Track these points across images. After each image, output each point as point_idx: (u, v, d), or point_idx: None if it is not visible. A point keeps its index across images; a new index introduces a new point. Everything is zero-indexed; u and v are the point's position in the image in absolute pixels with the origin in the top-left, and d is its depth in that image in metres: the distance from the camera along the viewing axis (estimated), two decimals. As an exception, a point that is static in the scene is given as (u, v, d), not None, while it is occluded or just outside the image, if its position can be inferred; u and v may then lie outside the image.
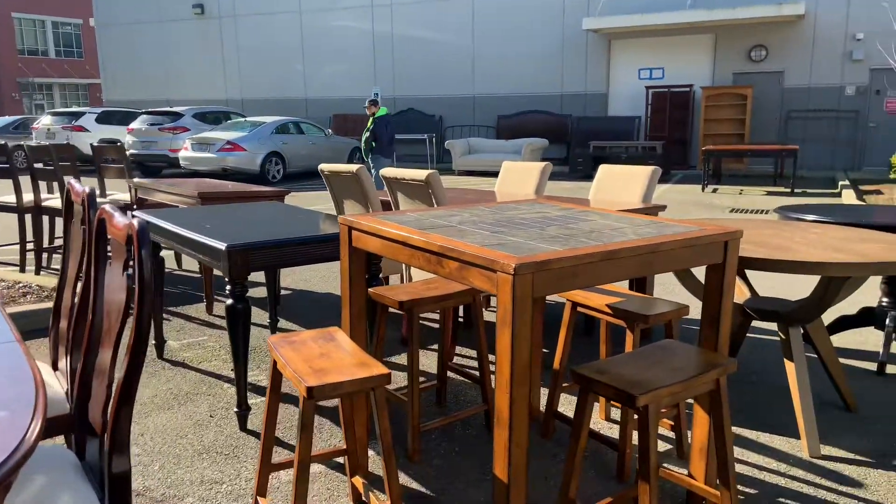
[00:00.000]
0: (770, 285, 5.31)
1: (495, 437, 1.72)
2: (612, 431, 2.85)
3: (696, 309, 4.60)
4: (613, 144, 14.02)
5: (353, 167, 3.83)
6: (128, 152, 15.82)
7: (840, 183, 12.03)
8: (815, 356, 3.69)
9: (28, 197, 5.57)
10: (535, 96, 17.70)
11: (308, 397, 1.76)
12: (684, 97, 15.71)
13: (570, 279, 1.73)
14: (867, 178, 13.35)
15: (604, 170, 4.47)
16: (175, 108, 15.93)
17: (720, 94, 15.37)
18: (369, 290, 2.64)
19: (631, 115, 16.59)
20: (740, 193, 11.61)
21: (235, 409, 2.86)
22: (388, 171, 3.51)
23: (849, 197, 10.18)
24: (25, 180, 10.84)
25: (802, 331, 2.94)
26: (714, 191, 11.99)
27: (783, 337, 2.82)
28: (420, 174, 3.30)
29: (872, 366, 3.61)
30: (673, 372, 1.89)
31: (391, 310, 4.45)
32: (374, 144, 10.18)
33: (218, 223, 3.10)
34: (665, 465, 2.60)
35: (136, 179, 5.24)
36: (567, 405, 3.01)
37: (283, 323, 4.38)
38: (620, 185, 4.29)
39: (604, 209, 2.54)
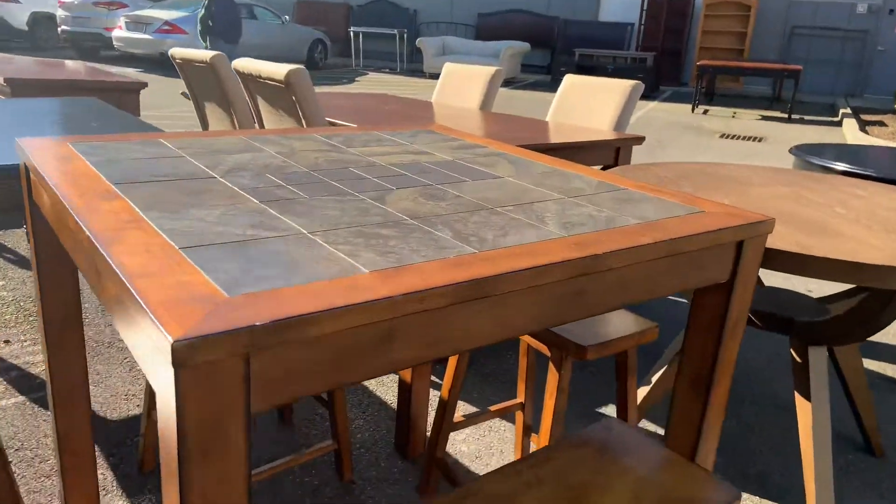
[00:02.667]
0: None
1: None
2: None
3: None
4: (601, 53, 12.63)
5: (208, 54, 2.68)
6: (59, 29, 14.12)
7: (841, 111, 10.92)
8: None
9: None
10: (521, -7, 15.97)
11: None
12: (683, 4, 14.18)
13: (372, 355, 0.72)
14: (870, 106, 12.23)
15: (569, 82, 3.35)
16: (112, -20, 14.05)
17: (722, 3, 13.88)
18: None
19: (623, 22, 15.04)
20: (733, 116, 10.48)
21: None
22: (242, 64, 2.39)
23: (850, 127, 9.12)
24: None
25: (828, 353, 1.99)
26: (705, 112, 10.83)
27: (797, 360, 1.86)
28: (279, 71, 2.19)
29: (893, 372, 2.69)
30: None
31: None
32: (210, 24, 7.85)
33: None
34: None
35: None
36: (459, 445, 2.06)
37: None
38: (591, 102, 3.19)
39: (530, 154, 1.48)
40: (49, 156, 1.13)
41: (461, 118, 3.11)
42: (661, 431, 2.20)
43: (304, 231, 0.88)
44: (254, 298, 0.67)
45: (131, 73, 11.28)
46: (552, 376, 1.44)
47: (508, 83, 13.67)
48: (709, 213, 1.08)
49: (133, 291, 0.66)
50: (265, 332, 0.62)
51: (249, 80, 2.42)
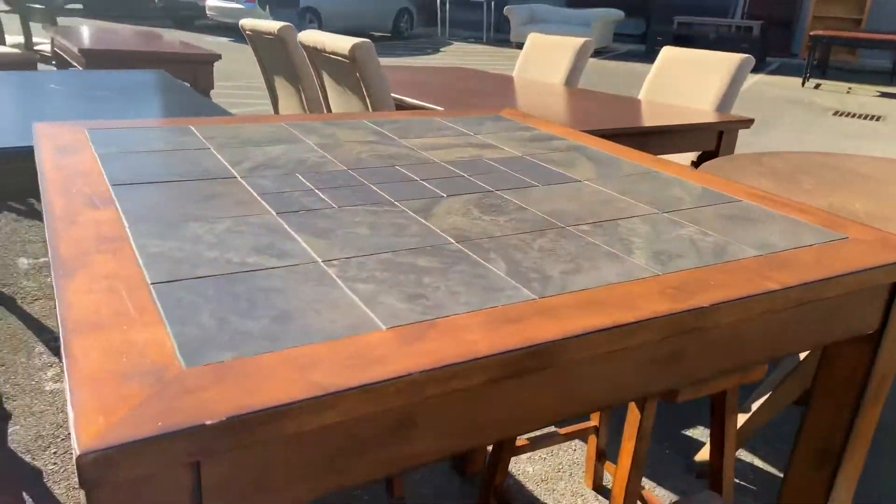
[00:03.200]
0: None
1: None
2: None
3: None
4: (702, 21, 11.82)
5: (276, 25, 2.53)
6: (158, -2, 14.53)
7: (976, 88, 9.76)
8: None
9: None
10: (617, -42, 15.15)
11: None
12: (797, -32, 13.02)
13: (380, 449, 0.53)
14: None
15: (668, 55, 3.01)
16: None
17: (842, -33, 12.66)
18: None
19: (728, -12, 14.00)
20: (847, 92, 9.57)
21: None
22: (307, 37, 2.22)
23: None
24: None
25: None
26: (816, 86, 9.95)
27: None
28: (343, 45, 2.01)
29: None
30: None
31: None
32: None
33: None
34: None
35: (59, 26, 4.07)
36: (524, 465, 1.85)
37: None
38: (692, 78, 2.86)
39: (615, 148, 1.24)
40: (55, 145, 0.99)
41: (542, 95, 2.86)
42: (757, 462, 1.92)
43: (319, 259, 0.69)
44: (218, 374, 0.49)
45: (223, 43, 11.48)
46: (633, 416, 1.21)
47: (599, 53, 13.07)
48: (854, 241, 0.82)
49: (63, 355, 0.49)
50: (220, 433, 0.44)
51: (314, 53, 2.26)
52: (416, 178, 0.99)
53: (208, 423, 0.43)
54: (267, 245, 0.72)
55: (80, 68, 3.22)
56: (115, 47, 3.14)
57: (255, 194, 0.87)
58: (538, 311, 0.62)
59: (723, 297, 0.66)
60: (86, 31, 3.86)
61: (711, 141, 2.44)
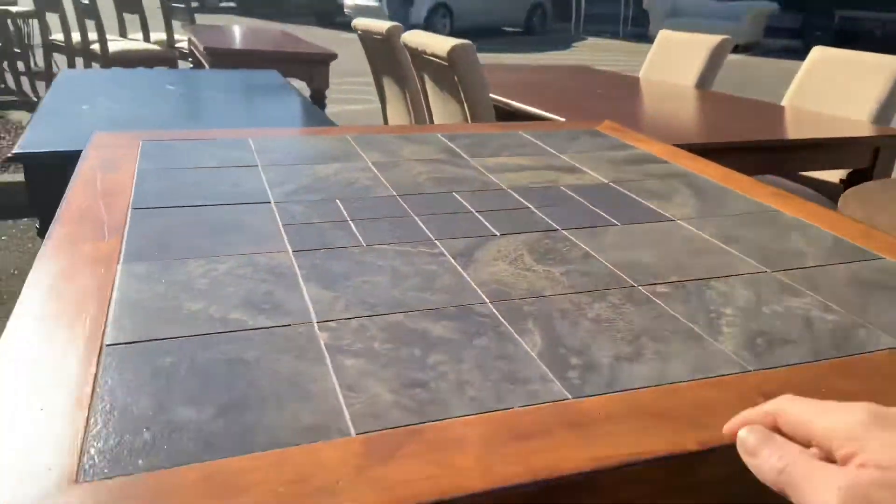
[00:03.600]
0: None
1: None
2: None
3: None
4: (868, 16, 10.64)
5: (385, 25, 2.47)
6: (299, -5, 15.19)
7: None
8: None
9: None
10: (773, -55, 13.99)
11: None
12: None
13: None
14: None
15: (818, 56, 2.64)
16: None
17: None
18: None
19: (903, -24, 12.52)
20: None
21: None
22: (409, 38, 2.13)
23: None
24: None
25: None
26: None
27: None
28: (442, 46, 1.89)
29: None
30: None
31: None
32: None
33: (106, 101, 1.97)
34: None
35: (196, 24, 4.29)
36: None
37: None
38: (846, 82, 2.48)
39: (729, 176, 1.03)
40: (102, 158, 0.95)
41: (665, 100, 2.60)
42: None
43: (315, 318, 0.58)
44: (113, 494, 0.38)
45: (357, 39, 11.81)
46: None
47: (748, 49, 12.13)
48: None
49: (-47, 446, 0.41)
50: (81, 591, 0.33)
51: (416, 55, 2.16)
52: (471, 209, 0.85)
53: (62, 578, 0.33)
54: (262, 295, 0.61)
55: (207, 66, 3.35)
56: (236, 47, 3.24)
57: (279, 224, 0.77)
58: (568, 421, 0.46)
59: (836, 420, 0.47)
60: (215, 31, 4.03)
61: (864, 157, 2.09)
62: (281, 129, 1.16)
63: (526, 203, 0.88)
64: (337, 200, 0.85)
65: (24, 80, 5.42)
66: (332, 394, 0.48)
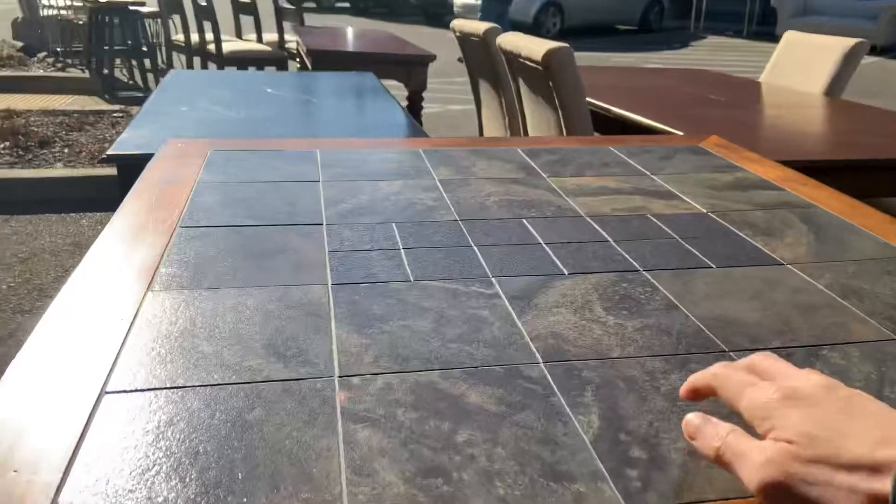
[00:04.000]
0: None
1: None
2: None
3: None
4: None
5: (482, 27, 2.39)
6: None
7: None
8: None
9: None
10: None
11: None
12: None
13: None
14: None
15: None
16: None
17: None
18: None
19: None
20: None
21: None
22: (504, 40, 2.03)
23: None
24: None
25: None
26: None
27: None
28: (536, 50, 1.78)
29: None
30: None
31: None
32: None
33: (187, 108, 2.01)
34: None
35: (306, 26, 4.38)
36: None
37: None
38: None
39: (858, 208, 0.87)
40: (166, 168, 0.93)
41: (787, 109, 2.36)
42: None
43: (336, 373, 0.50)
44: None
45: (465, 39, 11.80)
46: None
47: (886, 52, 11.11)
48: None
49: None
50: None
51: (511, 58, 2.06)
52: (539, 239, 0.75)
53: None
54: (286, 340, 0.55)
55: (309, 67, 3.41)
56: (336, 48, 3.27)
57: (325, 251, 0.70)
58: (614, 542, 0.37)
59: None
60: (320, 33, 4.10)
61: None
62: (352, 139, 1.10)
63: (604, 235, 0.77)
64: (393, 224, 0.78)
65: (150, 77, 5.77)
66: (335, 478, 0.41)
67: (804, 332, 0.58)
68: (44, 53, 6.85)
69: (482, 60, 2.50)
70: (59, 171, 3.52)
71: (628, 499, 0.40)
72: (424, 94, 3.37)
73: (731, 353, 0.55)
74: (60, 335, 0.54)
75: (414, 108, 3.31)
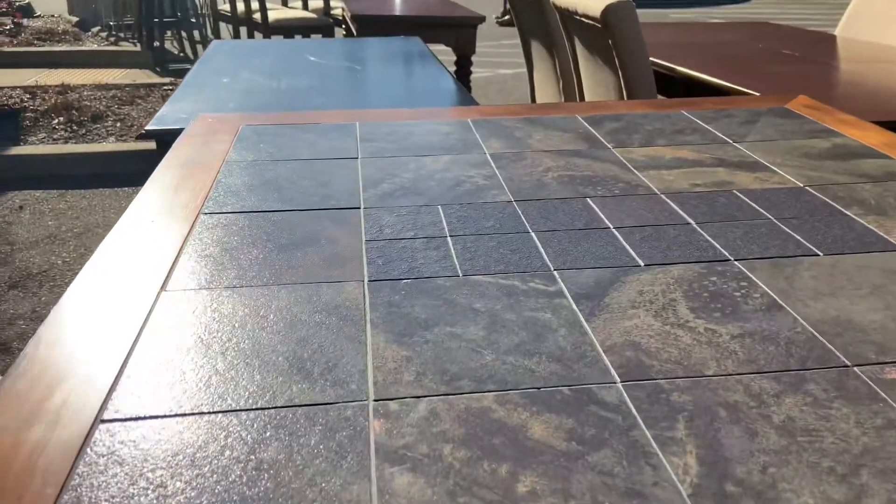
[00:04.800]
0: None
1: None
2: None
3: None
4: None
5: (534, -15, 2.23)
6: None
7: None
8: None
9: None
10: None
11: None
12: None
13: None
14: None
15: None
16: None
17: None
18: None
19: None
20: None
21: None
22: (559, -3, 1.88)
23: None
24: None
25: None
26: None
27: None
28: (595, 6, 1.64)
29: None
30: None
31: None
32: None
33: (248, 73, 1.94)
34: None
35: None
36: None
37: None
38: None
39: None
40: (193, 145, 0.85)
41: (873, 64, 2.14)
42: None
43: (370, 392, 0.42)
44: None
45: None
46: None
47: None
48: None
49: None
50: None
51: (566, 16, 1.92)
52: (608, 223, 0.65)
53: None
54: (315, 351, 0.46)
55: (355, 33, 3.31)
56: (381, 13, 3.15)
57: (363, 240, 0.62)
58: None
59: None
60: (366, -3, 3.97)
61: None
62: (394, 110, 1.01)
63: (685, 216, 0.66)
64: (439, 207, 0.69)
65: (200, 49, 5.77)
66: (365, 542, 0.32)
67: (947, 340, 0.47)
68: (97, 28, 6.94)
69: (534, 19, 2.35)
70: (111, 146, 3.55)
71: None
72: (473, 59, 3.23)
73: (857, 369, 0.44)
74: (66, 342, 0.47)
75: (462, 72, 3.18)
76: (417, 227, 0.64)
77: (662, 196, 0.71)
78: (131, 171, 3.41)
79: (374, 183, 0.75)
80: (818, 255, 0.59)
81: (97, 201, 3.15)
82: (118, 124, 3.93)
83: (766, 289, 0.54)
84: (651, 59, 1.87)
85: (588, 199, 0.70)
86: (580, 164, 0.80)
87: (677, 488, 0.35)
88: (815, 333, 0.48)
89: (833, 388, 0.42)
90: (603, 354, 0.46)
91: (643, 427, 0.40)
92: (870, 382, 0.43)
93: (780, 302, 0.52)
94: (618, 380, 0.44)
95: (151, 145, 3.94)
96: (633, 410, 0.41)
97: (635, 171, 0.77)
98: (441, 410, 0.41)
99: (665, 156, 0.82)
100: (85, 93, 4.41)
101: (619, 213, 0.67)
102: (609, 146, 0.86)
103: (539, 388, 0.43)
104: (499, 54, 5.83)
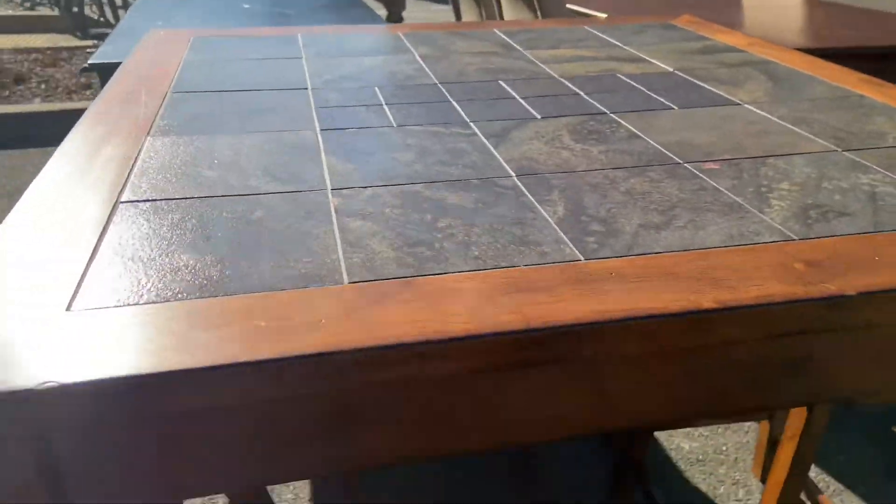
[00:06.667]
0: None
1: None
2: None
3: None
4: None
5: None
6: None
7: None
8: None
9: None
10: None
11: None
12: None
13: (307, 446, 0.39)
14: None
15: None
16: None
17: None
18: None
19: None
20: None
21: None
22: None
23: None
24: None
25: None
26: None
27: None
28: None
29: None
30: None
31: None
32: None
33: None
34: None
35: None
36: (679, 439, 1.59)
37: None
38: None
39: (820, 65, 0.92)
40: (149, 51, 0.96)
41: (767, 9, 2.37)
42: None
43: (329, 186, 0.56)
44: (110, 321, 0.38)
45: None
46: (796, 418, 0.94)
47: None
48: None
49: (-37, 279, 0.42)
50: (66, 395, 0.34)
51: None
52: (515, 95, 0.80)
53: (57, 383, 0.33)
54: (281, 165, 0.60)
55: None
56: None
57: (313, 107, 0.75)
58: (573, 279, 0.43)
59: (885, 283, 0.41)
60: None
61: None
62: (332, 27, 1.13)
63: (576, 90, 0.82)
64: (376, 88, 0.82)
65: (122, 14, 5.63)
66: (332, 250, 0.46)
67: (752, 149, 0.64)
68: (11, -6, 6.63)
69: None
70: (37, 106, 3.49)
71: (584, 254, 0.46)
72: (404, 15, 3.34)
73: (686, 164, 0.61)
74: (71, 167, 0.59)
75: (394, 29, 3.29)
76: (358, 100, 0.78)
77: (561, 79, 0.86)
78: (59, 130, 3.38)
79: (319, 74, 0.87)
80: (674, 108, 0.76)
81: (27, 161, 3.12)
82: (42, 86, 3.85)
83: (631, 127, 0.70)
84: (568, 5, 2.03)
85: (500, 81, 0.85)
86: (496, 61, 0.95)
87: (548, 220, 0.51)
88: (662, 149, 0.64)
89: (666, 174, 0.59)
90: (504, 164, 0.61)
91: (528, 195, 0.55)
92: (692, 170, 0.60)
93: (640, 134, 0.68)
94: (514, 174, 0.59)
95: (81, 104, 3.86)
96: (523, 188, 0.56)
97: (541, 65, 0.93)
98: (382, 193, 0.55)
99: (566, 55, 0.98)
100: (4, 56, 4.28)
101: (525, 89, 0.82)
102: (520, 49, 1.01)
103: (454, 180, 0.58)
104: (429, 17, 5.91)
